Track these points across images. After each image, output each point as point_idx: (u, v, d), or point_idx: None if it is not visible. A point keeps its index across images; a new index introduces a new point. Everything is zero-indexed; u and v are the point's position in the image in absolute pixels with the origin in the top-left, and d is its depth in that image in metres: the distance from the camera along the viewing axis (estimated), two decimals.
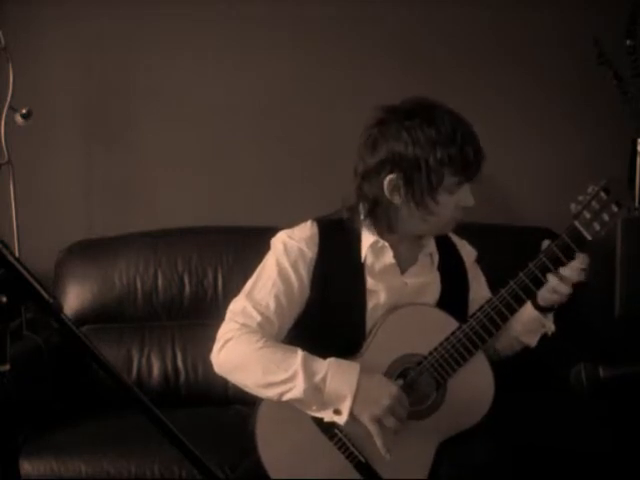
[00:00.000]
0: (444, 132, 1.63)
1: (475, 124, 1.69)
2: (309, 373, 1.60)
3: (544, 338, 1.79)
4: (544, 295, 1.68)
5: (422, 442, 1.68)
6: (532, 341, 1.80)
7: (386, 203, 1.70)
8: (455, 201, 1.68)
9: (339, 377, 1.60)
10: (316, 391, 1.60)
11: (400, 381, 1.67)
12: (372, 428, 1.61)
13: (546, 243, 1.65)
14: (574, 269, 1.62)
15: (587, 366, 1.37)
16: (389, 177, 1.66)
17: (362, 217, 1.75)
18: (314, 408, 1.63)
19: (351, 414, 1.60)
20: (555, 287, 1.63)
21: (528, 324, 1.76)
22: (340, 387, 1.60)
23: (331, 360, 1.63)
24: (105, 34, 2.69)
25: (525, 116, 2.70)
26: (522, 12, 2.65)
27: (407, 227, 1.73)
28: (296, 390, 1.60)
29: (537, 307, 1.71)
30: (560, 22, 2.65)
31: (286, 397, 1.62)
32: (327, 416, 1.62)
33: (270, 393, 1.64)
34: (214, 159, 2.75)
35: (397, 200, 1.68)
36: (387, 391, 1.61)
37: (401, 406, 1.62)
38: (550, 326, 1.76)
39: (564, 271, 1.63)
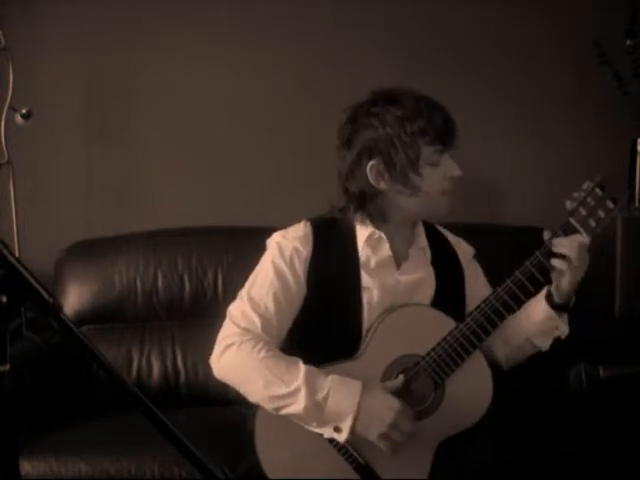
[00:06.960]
0: (409, 106, 1.67)
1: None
2: (312, 390, 1.59)
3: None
4: (557, 282, 1.66)
5: (421, 443, 1.67)
6: (545, 344, 1.77)
7: (373, 192, 1.71)
8: (441, 173, 1.69)
9: (341, 395, 1.60)
10: (317, 408, 1.59)
11: (401, 377, 1.66)
12: (382, 445, 1.61)
13: (547, 234, 1.65)
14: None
15: (587, 366, 1.37)
16: (370, 164, 1.69)
17: (353, 214, 1.76)
18: (314, 424, 1.62)
19: (353, 432, 1.59)
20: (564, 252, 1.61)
21: (541, 324, 1.73)
22: (341, 406, 1.59)
23: (334, 377, 1.62)
24: (105, 34, 2.69)
25: (525, 116, 2.70)
26: (522, 12, 2.65)
27: (399, 212, 1.74)
28: (297, 406, 1.59)
29: (552, 305, 1.70)
30: (560, 22, 2.65)
31: (285, 411, 1.62)
32: (327, 433, 1.62)
33: (269, 405, 1.64)
34: (214, 159, 2.75)
35: (383, 186, 1.70)
36: (390, 408, 1.60)
37: (406, 419, 1.61)
38: (564, 329, 1.73)
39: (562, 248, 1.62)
